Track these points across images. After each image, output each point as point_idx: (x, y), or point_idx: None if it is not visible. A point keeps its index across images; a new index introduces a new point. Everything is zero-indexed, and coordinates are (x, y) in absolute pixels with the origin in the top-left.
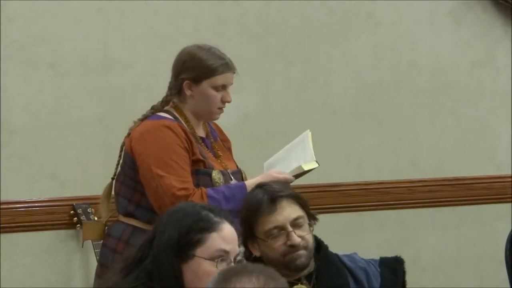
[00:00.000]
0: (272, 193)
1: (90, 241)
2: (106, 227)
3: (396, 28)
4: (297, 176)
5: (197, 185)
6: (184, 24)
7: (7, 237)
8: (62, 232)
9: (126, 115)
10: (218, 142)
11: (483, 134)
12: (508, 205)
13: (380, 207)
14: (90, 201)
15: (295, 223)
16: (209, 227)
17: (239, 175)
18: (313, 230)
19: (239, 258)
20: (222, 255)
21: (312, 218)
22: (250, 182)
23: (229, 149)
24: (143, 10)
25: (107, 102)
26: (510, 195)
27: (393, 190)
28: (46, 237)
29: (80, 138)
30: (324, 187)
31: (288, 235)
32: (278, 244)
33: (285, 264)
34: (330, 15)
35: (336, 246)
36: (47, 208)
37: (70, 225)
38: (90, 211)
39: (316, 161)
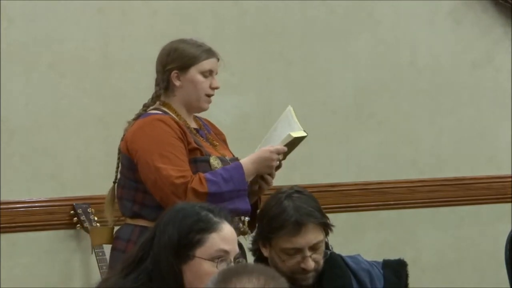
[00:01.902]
0: (300, 216)
1: (90, 244)
2: (115, 231)
3: (396, 28)
4: (289, 146)
5: (196, 173)
6: (184, 24)
7: (7, 237)
8: (62, 232)
9: (126, 115)
10: (212, 134)
11: (483, 134)
12: (508, 205)
13: (380, 207)
14: (90, 201)
15: (314, 247)
16: (209, 228)
17: None
18: (329, 253)
19: (238, 258)
20: (221, 255)
21: (329, 231)
22: (245, 161)
23: (224, 141)
24: (143, 10)
25: (107, 102)
26: (510, 195)
27: (393, 190)
28: (45, 237)
29: (80, 138)
30: (324, 187)
31: (304, 258)
32: (291, 263)
33: (291, 279)
34: (330, 15)
35: (336, 246)
36: (47, 208)
37: (70, 225)
38: (90, 211)
39: (304, 131)
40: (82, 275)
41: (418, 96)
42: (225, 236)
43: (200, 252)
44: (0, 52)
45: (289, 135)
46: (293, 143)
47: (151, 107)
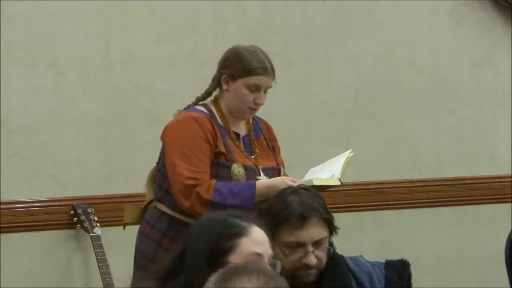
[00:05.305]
0: (305, 209)
1: (90, 240)
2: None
3: (396, 28)
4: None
5: (216, 176)
6: (184, 24)
7: (7, 237)
8: (62, 232)
9: (126, 115)
10: (261, 140)
11: (483, 134)
12: (508, 205)
13: (380, 207)
14: (90, 201)
15: (317, 243)
16: (238, 233)
17: (273, 172)
18: (331, 251)
19: (272, 260)
20: (255, 259)
21: (333, 233)
22: (261, 183)
23: (273, 148)
24: (143, 10)
25: (107, 102)
26: (510, 195)
27: (393, 190)
28: (46, 237)
29: (80, 138)
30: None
31: (306, 254)
32: (294, 258)
33: (293, 277)
34: (330, 15)
35: (336, 246)
36: (47, 208)
37: (70, 225)
38: (90, 211)
39: (339, 179)
40: (82, 275)
41: (418, 96)
42: (257, 239)
43: (233, 258)
44: (0, 52)
45: (311, 180)
46: (319, 187)
47: (201, 102)
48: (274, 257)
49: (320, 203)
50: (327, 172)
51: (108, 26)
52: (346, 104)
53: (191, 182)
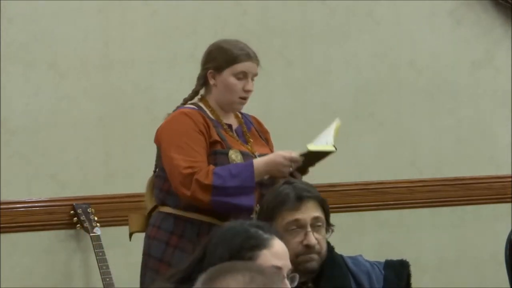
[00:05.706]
0: (300, 191)
1: (90, 240)
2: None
3: (396, 28)
4: (309, 157)
5: (214, 164)
6: (184, 24)
7: (7, 237)
8: (62, 232)
9: (126, 115)
10: (252, 131)
11: (483, 134)
12: (508, 205)
13: (380, 207)
14: (90, 201)
15: (315, 224)
16: (260, 244)
17: None
18: (328, 237)
19: (291, 274)
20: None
21: (329, 226)
22: (258, 161)
23: (266, 139)
24: (143, 10)
25: (107, 102)
26: (510, 195)
27: (393, 190)
28: (45, 237)
29: (80, 138)
30: (324, 187)
31: (306, 234)
32: (295, 241)
33: (296, 265)
34: (330, 15)
35: (336, 246)
36: (47, 208)
37: (70, 225)
38: (90, 211)
39: (334, 146)
40: (82, 275)
41: (418, 96)
42: (277, 252)
43: None
44: (0, 52)
45: (306, 147)
46: (315, 155)
47: (189, 102)
48: (293, 270)
49: (314, 189)
50: (320, 143)
51: (108, 26)
52: (346, 104)
53: (189, 170)
